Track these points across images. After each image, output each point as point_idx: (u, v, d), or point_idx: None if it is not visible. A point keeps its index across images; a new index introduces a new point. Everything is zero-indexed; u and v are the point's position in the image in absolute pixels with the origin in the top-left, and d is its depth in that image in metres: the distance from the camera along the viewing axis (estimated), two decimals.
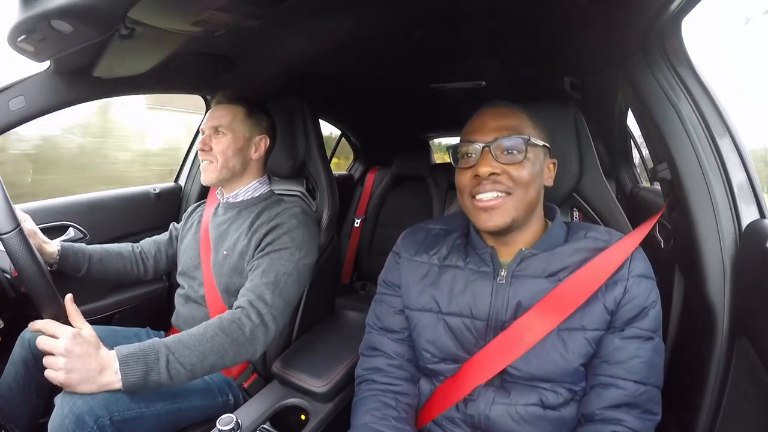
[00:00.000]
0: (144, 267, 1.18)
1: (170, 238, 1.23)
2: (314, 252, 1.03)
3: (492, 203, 0.69)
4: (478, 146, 0.70)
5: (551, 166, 0.76)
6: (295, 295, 0.96)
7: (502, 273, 0.71)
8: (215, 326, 0.82)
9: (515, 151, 0.69)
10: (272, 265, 0.94)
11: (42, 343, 0.69)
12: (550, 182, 0.76)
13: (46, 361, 0.68)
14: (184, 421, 0.88)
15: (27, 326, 0.97)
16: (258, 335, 0.86)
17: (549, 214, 0.78)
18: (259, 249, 0.98)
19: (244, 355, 0.84)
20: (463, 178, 0.72)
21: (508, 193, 0.69)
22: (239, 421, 0.72)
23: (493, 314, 0.70)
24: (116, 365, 0.71)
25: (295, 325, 1.06)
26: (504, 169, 0.68)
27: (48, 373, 0.68)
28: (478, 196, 0.69)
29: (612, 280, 0.67)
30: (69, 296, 0.75)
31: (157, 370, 0.73)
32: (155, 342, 0.76)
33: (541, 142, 0.72)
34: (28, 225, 0.95)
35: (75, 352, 0.68)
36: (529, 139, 0.69)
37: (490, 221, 0.69)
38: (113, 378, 0.70)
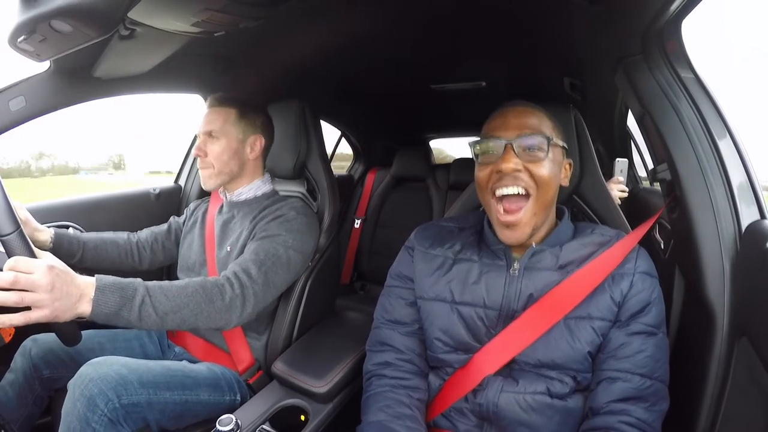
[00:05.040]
0: (139, 257, 1.17)
1: (169, 230, 1.23)
2: (310, 244, 1.04)
3: (513, 219, 0.71)
4: (501, 143, 0.71)
5: (567, 166, 0.79)
6: (281, 281, 0.96)
7: (515, 265, 0.74)
8: (197, 284, 0.83)
9: (537, 149, 0.70)
10: (263, 246, 0.95)
11: (23, 281, 0.62)
12: (566, 182, 0.78)
13: (28, 299, 0.62)
14: (190, 414, 0.88)
15: (29, 335, 0.98)
16: (236, 306, 0.86)
17: (557, 214, 0.80)
18: (255, 236, 0.99)
19: (217, 321, 0.84)
20: (484, 174, 0.74)
21: (528, 194, 0.71)
22: (239, 421, 0.73)
23: (506, 304, 0.73)
24: (92, 293, 0.69)
25: (295, 325, 1.06)
26: (525, 166, 0.70)
27: (31, 315, 0.63)
28: (498, 191, 0.71)
29: (619, 273, 0.70)
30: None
31: (129, 306, 0.73)
32: (136, 280, 0.76)
33: (561, 143, 0.74)
34: (22, 213, 0.94)
35: (57, 285, 0.64)
36: (552, 139, 0.71)
37: (512, 238, 0.72)
38: (87, 307, 0.69)
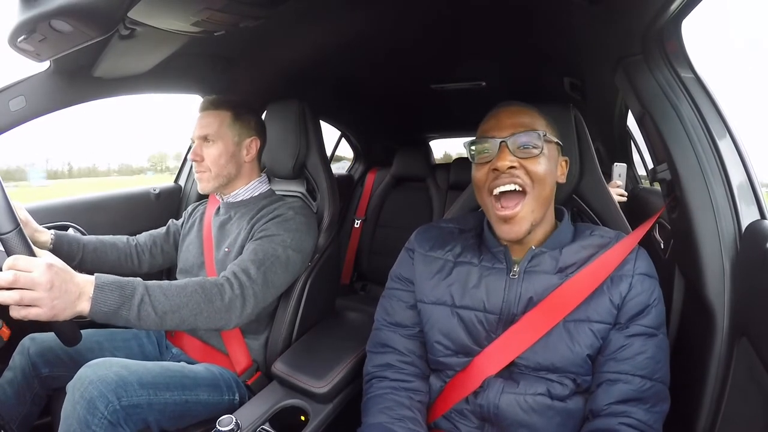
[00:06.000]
0: (138, 260, 1.17)
1: (167, 233, 1.23)
2: (308, 244, 1.04)
3: (511, 213, 0.71)
4: (496, 141, 0.72)
5: (563, 163, 0.79)
6: (280, 280, 0.96)
7: (515, 269, 0.74)
8: (196, 283, 0.83)
9: (531, 147, 0.71)
10: (261, 246, 0.95)
11: (22, 280, 0.62)
12: (563, 179, 0.79)
13: (27, 297, 0.62)
14: (190, 415, 0.88)
15: (28, 334, 0.98)
16: (235, 306, 0.86)
17: (557, 216, 0.80)
18: (253, 236, 0.99)
19: (217, 322, 0.84)
20: (480, 173, 0.74)
21: (525, 191, 0.71)
22: (239, 421, 0.73)
23: (506, 308, 0.73)
24: (91, 291, 0.69)
25: (295, 325, 1.06)
26: (521, 163, 0.70)
27: (30, 312, 0.63)
28: (495, 189, 0.71)
29: (617, 275, 0.70)
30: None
31: (128, 305, 0.72)
32: (135, 279, 0.76)
33: (554, 139, 0.75)
34: (22, 214, 0.93)
35: (56, 283, 0.64)
36: (545, 134, 0.72)
37: (511, 233, 0.72)
38: (86, 306, 0.68)
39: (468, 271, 0.77)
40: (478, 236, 0.82)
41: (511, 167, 0.70)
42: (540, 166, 0.71)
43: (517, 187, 0.71)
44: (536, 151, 0.71)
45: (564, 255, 0.73)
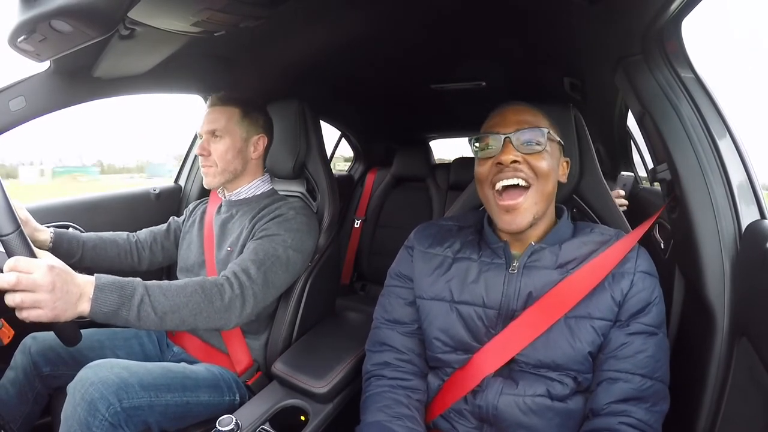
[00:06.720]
0: (138, 257, 1.17)
1: (168, 230, 1.23)
2: (309, 244, 1.04)
3: (513, 203, 0.71)
4: (500, 137, 0.72)
5: (564, 163, 0.80)
6: (280, 281, 0.96)
7: (515, 264, 0.74)
8: (196, 284, 0.83)
9: (534, 143, 0.72)
10: (262, 246, 0.95)
11: (24, 282, 0.62)
12: (564, 178, 0.79)
13: (29, 299, 0.62)
14: (191, 415, 0.88)
15: (29, 333, 0.98)
16: (235, 306, 0.86)
17: (557, 214, 0.80)
18: (254, 235, 0.99)
19: (216, 321, 0.84)
20: (484, 168, 0.75)
21: (528, 185, 0.71)
22: (239, 421, 0.73)
23: (505, 303, 0.73)
24: (91, 292, 0.69)
25: (295, 325, 1.06)
26: (524, 159, 0.71)
27: (31, 314, 0.63)
28: (499, 184, 0.72)
29: (619, 272, 0.70)
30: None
31: (128, 306, 0.72)
32: (135, 280, 0.76)
33: (557, 138, 0.76)
34: (22, 213, 0.93)
35: (57, 284, 0.64)
36: (549, 132, 0.72)
37: (513, 223, 0.72)
38: (86, 306, 0.68)
39: (467, 266, 0.77)
40: (478, 233, 0.83)
41: (515, 162, 0.70)
42: (543, 162, 0.71)
43: (521, 182, 0.71)
44: (539, 148, 0.71)
45: (564, 250, 0.73)
